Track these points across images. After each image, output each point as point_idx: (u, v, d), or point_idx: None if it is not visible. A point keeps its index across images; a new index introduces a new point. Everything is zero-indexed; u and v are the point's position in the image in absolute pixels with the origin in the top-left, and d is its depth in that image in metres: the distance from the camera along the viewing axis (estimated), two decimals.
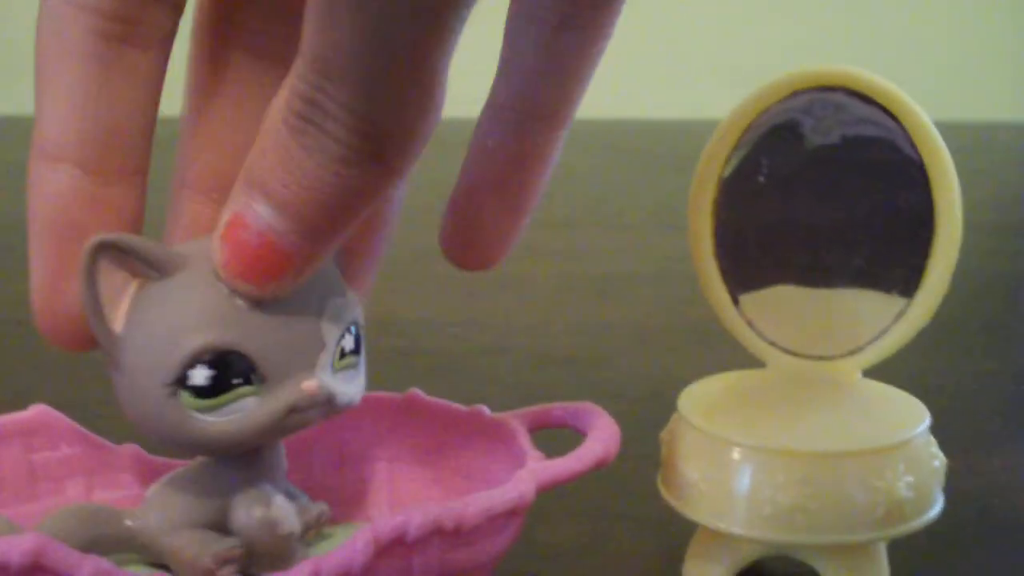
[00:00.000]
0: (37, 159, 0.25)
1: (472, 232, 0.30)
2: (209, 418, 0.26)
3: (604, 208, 0.72)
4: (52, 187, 0.25)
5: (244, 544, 0.27)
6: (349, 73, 0.21)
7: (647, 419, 0.32)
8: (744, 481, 0.29)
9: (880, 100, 0.31)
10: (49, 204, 0.25)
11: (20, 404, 0.32)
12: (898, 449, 0.29)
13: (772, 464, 0.29)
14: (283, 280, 0.24)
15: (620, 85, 0.85)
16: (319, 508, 0.29)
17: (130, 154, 0.25)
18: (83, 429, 0.32)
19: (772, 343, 0.33)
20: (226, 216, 0.24)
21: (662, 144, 0.89)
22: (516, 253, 0.64)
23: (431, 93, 0.22)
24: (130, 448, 0.31)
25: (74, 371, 0.40)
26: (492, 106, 0.29)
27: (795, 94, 0.31)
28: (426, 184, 0.81)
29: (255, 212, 0.23)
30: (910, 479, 0.29)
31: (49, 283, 0.25)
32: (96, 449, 0.31)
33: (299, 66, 0.21)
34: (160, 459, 0.31)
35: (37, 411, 0.31)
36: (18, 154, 0.26)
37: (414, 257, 0.61)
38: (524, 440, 0.30)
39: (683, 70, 1.06)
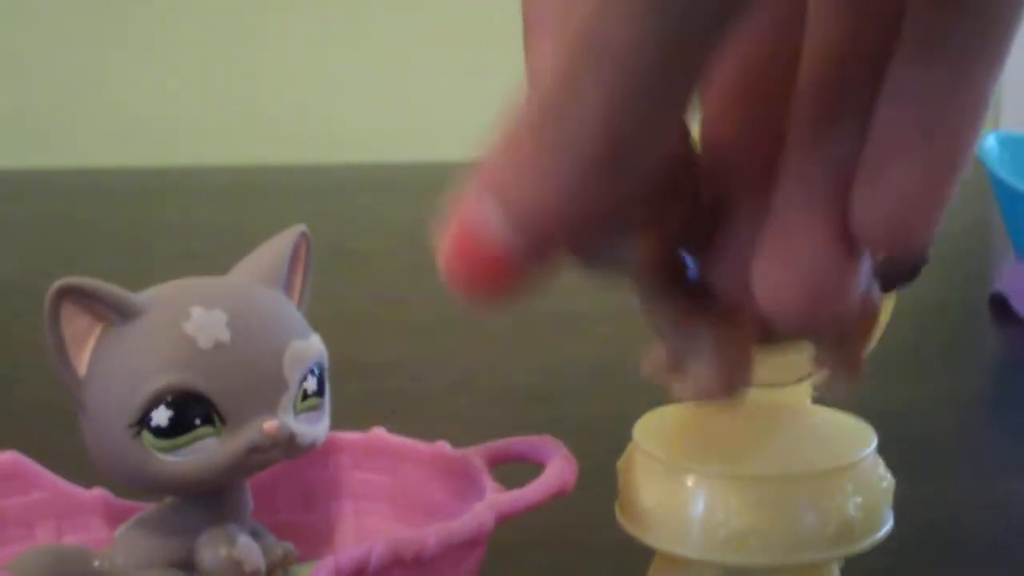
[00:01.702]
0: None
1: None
2: (171, 458, 0.26)
3: None
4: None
5: None
6: (591, 84, 0.20)
7: (605, 451, 0.32)
8: (698, 506, 0.29)
9: None
10: None
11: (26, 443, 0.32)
12: (847, 471, 0.30)
13: (725, 489, 0.29)
14: (503, 291, 0.23)
15: None
16: (284, 547, 0.30)
17: None
18: (52, 474, 0.32)
19: None
20: (455, 216, 0.23)
21: None
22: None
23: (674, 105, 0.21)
24: (99, 492, 0.32)
25: (43, 418, 0.41)
26: None
27: None
28: (384, 229, 0.82)
29: (486, 217, 0.22)
30: (859, 500, 0.30)
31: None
32: (65, 493, 0.32)
33: (540, 69, 0.21)
34: (128, 502, 0.32)
35: (7, 457, 0.32)
36: None
37: (374, 300, 0.62)
38: (484, 474, 0.31)
39: None
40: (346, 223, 0.83)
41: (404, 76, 1.11)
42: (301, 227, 0.30)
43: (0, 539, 0.31)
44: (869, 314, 0.31)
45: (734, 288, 0.25)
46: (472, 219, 0.22)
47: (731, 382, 0.29)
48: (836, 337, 0.30)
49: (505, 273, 0.22)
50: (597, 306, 0.46)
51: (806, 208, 0.23)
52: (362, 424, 0.34)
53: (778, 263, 0.23)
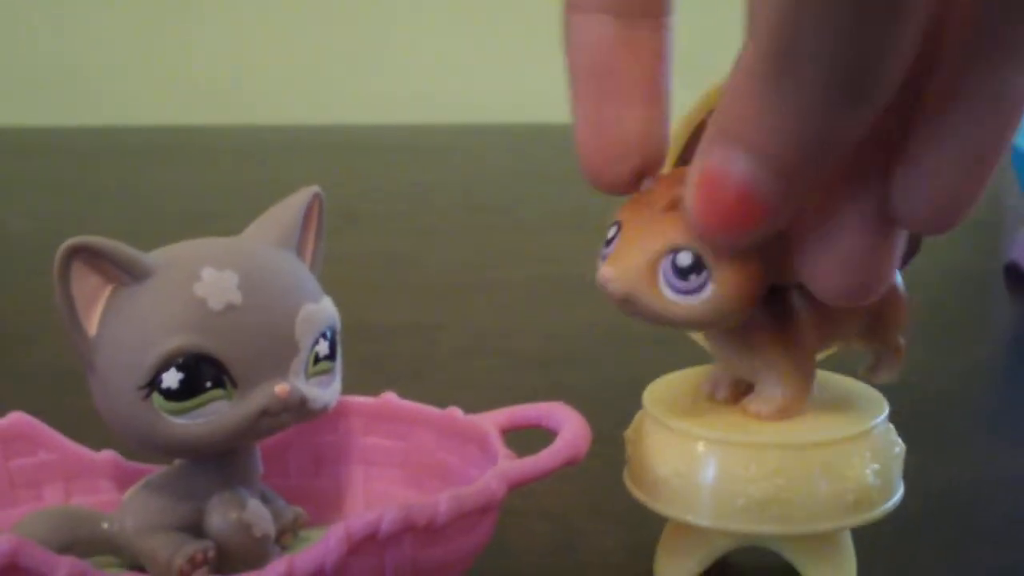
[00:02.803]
0: (570, 11, 0.26)
1: None
2: (181, 420, 0.26)
3: (575, 212, 0.72)
4: (586, 36, 0.26)
5: (219, 546, 0.28)
6: (826, 13, 0.20)
7: (615, 419, 0.32)
8: (715, 475, 0.29)
9: None
10: (586, 51, 0.26)
11: (34, 404, 0.32)
12: (864, 437, 0.30)
13: (744, 457, 0.29)
14: (760, 229, 0.24)
15: None
16: (295, 511, 0.30)
17: None
18: (60, 435, 0.32)
19: None
20: (699, 168, 0.24)
21: None
22: (489, 257, 0.64)
23: (907, 23, 0.21)
24: (107, 454, 0.32)
25: (51, 378, 0.41)
26: None
27: None
28: (397, 191, 0.82)
29: (732, 163, 0.23)
30: (876, 467, 0.29)
31: (593, 123, 0.26)
32: (73, 455, 0.32)
33: (768, 13, 0.21)
34: (137, 465, 0.32)
35: (14, 418, 0.32)
36: None
37: (386, 262, 0.62)
38: (496, 440, 0.30)
39: None
40: (356, 184, 0.82)
41: (411, 38, 1.11)
42: (314, 188, 0.30)
43: (8, 500, 0.31)
44: (899, 296, 0.31)
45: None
46: (719, 167, 0.23)
47: (801, 400, 0.29)
48: (877, 325, 0.30)
49: (757, 213, 0.23)
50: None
51: (849, 192, 0.24)
52: (372, 388, 0.34)
53: (823, 240, 0.24)
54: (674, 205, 0.26)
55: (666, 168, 0.30)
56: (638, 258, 0.27)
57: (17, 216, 0.75)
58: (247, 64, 1.10)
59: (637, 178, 0.26)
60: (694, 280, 0.26)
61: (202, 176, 0.89)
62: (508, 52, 1.08)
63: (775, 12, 0.21)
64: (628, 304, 0.27)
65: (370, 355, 0.44)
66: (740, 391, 0.31)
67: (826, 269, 0.24)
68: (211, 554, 0.27)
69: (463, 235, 0.70)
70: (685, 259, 0.26)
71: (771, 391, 0.30)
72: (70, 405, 0.31)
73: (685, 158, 0.31)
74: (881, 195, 0.24)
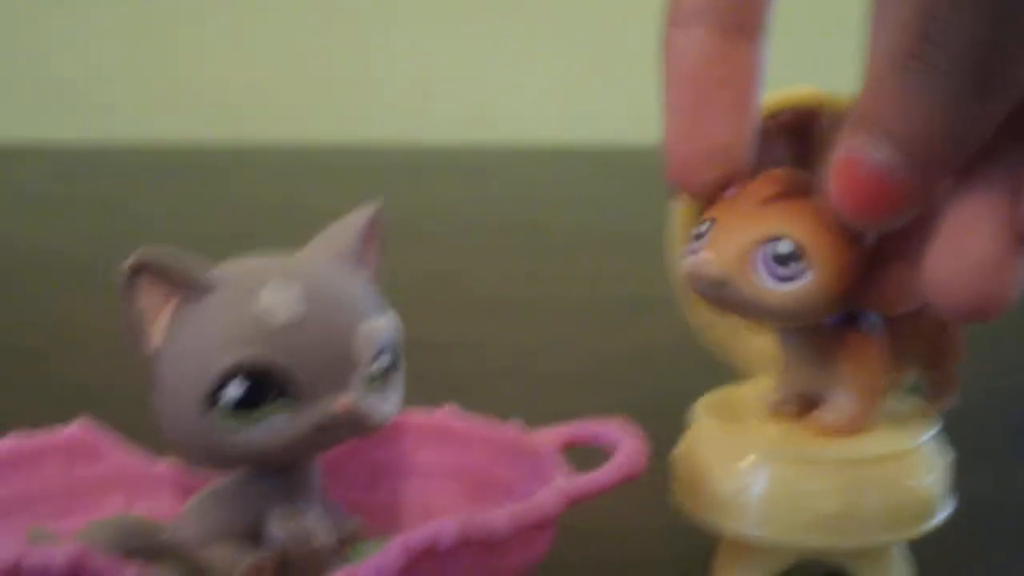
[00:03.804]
0: (672, 26, 0.28)
1: None
2: (242, 433, 0.27)
3: (617, 234, 0.73)
4: (685, 49, 0.27)
5: (279, 557, 0.28)
6: (963, 6, 0.22)
7: (662, 437, 0.32)
8: (780, 490, 0.29)
9: None
10: (684, 63, 0.28)
11: (62, 420, 0.32)
12: (921, 449, 0.30)
13: (810, 472, 0.29)
14: (895, 214, 0.25)
15: (630, 112, 0.85)
16: (354, 523, 0.30)
17: (754, 13, 0.28)
18: (123, 445, 0.32)
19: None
20: (839, 154, 0.25)
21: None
22: (530, 277, 0.64)
23: None
24: (168, 464, 0.32)
25: (113, 391, 0.41)
26: None
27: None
28: (435, 210, 0.82)
29: (871, 151, 0.24)
30: (932, 477, 0.30)
31: (686, 130, 0.27)
32: (135, 464, 0.32)
33: (904, 5, 0.23)
34: (197, 475, 0.32)
35: (78, 427, 0.32)
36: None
37: (427, 281, 0.62)
38: (553, 456, 0.31)
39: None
40: (403, 201, 0.83)
41: (452, 55, 1.11)
42: (375, 205, 0.30)
43: (69, 509, 0.31)
44: (957, 328, 0.32)
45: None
46: (857, 152, 0.24)
47: (869, 416, 0.30)
48: (935, 354, 0.31)
49: (893, 198, 0.24)
50: (651, 290, 0.46)
51: (980, 205, 0.25)
52: (422, 403, 0.34)
53: (951, 255, 0.25)
54: (771, 199, 0.27)
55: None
56: (736, 244, 0.28)
57: (65, 235, 0.76)
58: (285, 81, 1.11)
59: (722, 185, 0.28)
60: (791, 268, 0.27)
61: (246, 195, 0.89)
62: (548, 73, 1.08)
63: (910, 4, 0.22)
64: (721, 289, 0.28)
65: (419, 371, 0.43)
66: (804, 405, 0.31)
67: (953, 279, 0.25)
68: (275, 561, 0.28)
69: (503, 254, 0.70)
70: (784, 247, 0.27)
71: (842, 405, 0.30)
72: (128, 417, 0.31)
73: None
74: (1012, 209, 0.24)
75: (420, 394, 0.31)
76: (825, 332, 0.30)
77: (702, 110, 0.27)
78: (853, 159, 0.25)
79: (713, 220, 0.28)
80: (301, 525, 0.28)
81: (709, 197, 0.28)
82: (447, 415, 0.33)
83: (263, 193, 0.90)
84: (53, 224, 0.78)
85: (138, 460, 0.32)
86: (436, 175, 0.95)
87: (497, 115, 1.07)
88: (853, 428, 0.30)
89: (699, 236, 0.28)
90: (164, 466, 0.32)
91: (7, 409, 0.45)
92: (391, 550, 0.26)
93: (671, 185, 0.28)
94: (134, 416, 0.28)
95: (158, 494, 0.32)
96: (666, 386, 0.46)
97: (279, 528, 0.28)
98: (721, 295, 0.28)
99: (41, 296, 0.60)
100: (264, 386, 0.26)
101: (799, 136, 0.31)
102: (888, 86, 0.24)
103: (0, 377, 0.49)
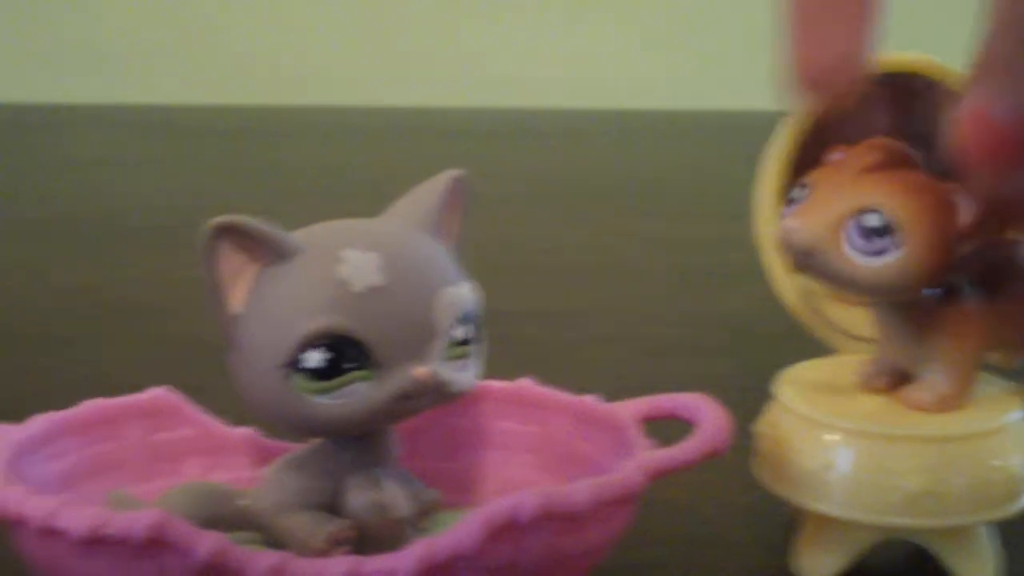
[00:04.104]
0: None
1: None
2: (321, 401, 0.26)
3: (717, 199, 0.72)
4: None
5: (356, 527, 0.28)
6: None
7: (745, 410, 0.31)
8: (870, 468, 0.29)
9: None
10: None
11: (141, 386, 0.32)
12: (1011, 428, 0.29)
13: (901, 450, 0.29)
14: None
15: (739, 77, 0.84)
16: (432, 494, 0.29)
17: None
18: (202, 411, 0.32)
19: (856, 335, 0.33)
20: (965, 106, 0.25)
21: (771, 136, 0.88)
22: (616, 244, 0.64)
23: None
24: (247, 431, 0.32)
25: (197, 354, 0.41)
26: None
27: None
28: (516, 175, 0.82)
29: (995, 100, 0.25)
30: (1021, 458, 0.29)
31: (815, 36, 0.28)
32: (214, 431, 0.32)
33: None
34: (276, 442, 0.32)
35: (158, 393, 0.32)
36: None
37: (510, 247, 0.62)
38: (634, 429, 0.30)
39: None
40: (477, 168, 0.82)
41: (528, 21, 1.10)
42: (457, 171, 0.30)
43: (148, 474, 0.31)
44: None
45: None
46: (983, 103, 0.25)
47: (964, 394, 0.29)
48: None
49: (1020, 148, 0.25)
50: (743, 259, 0.46)
51: None
52: (506, 374, 0.33)
53: None
54: (871, 169, 0.27)
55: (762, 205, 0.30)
56: (826, 214, 0.27)
57: (153, 193, 0.76)
58: (372, 45, 1.11)
59: (850, 91, 0.27)
60: (881, 242, 0.27)
61: (330, 156, 0.90)
62: (630, 38, 1.07)
63: None
64: (808, 259, 0.27)
65: (496, 341, 0.43)
66: (897, 380, 0.30)
67: None
68: (352, 533, 0.27)
69: (589, 221, 0.70)
70: (874, 220, 0.27)
71: (935, 382, 0.29)
72: (211, 380, 0.31)
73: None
74: None
75: (500, 364, 0.31)
76: (922, 306, 0.29)
77: (829, 17, 0.27)
78: (979, 109, 0.25)
79: (810, 186, 0.27)
80: (379, 495, 0.28)
81: (835, 101, 0.28)
82: (527, 385, 0.33)
83: (345, 157, 0.90)
84: (132, 182, 0.79)
85: (215, 427, 0.32)
86: (523, 140, 0.95)
87: (586, 79, 1.07)
88: (945, 406, 0.29)
89: (793, 201, 0.28)
90: (244, 432, 0.32)
91: (108, 369, 0.45)
92: (471, 523, 0.25)
93: (799, 89, 0.28)
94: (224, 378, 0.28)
95: (237, 461, 0.32)
96: (750, 357, 0.45)
97: (357, 498, 0.28)
98: (810, 265, 0.27)
99: (138, 254, 0.61)
100: (343, 354, 0.26)
101: (903, 105, 0.30)
102: (1010, 37, 0.24)
103: (109, 335, 0.50)
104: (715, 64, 1.05)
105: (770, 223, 0.32)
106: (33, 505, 0.25)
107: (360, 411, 0.27)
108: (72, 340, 0.49)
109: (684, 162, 0.85)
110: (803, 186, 0.28)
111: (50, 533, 0.25)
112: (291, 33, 1.11)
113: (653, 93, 1.02)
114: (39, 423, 0.30)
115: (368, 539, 0.28)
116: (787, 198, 0.28)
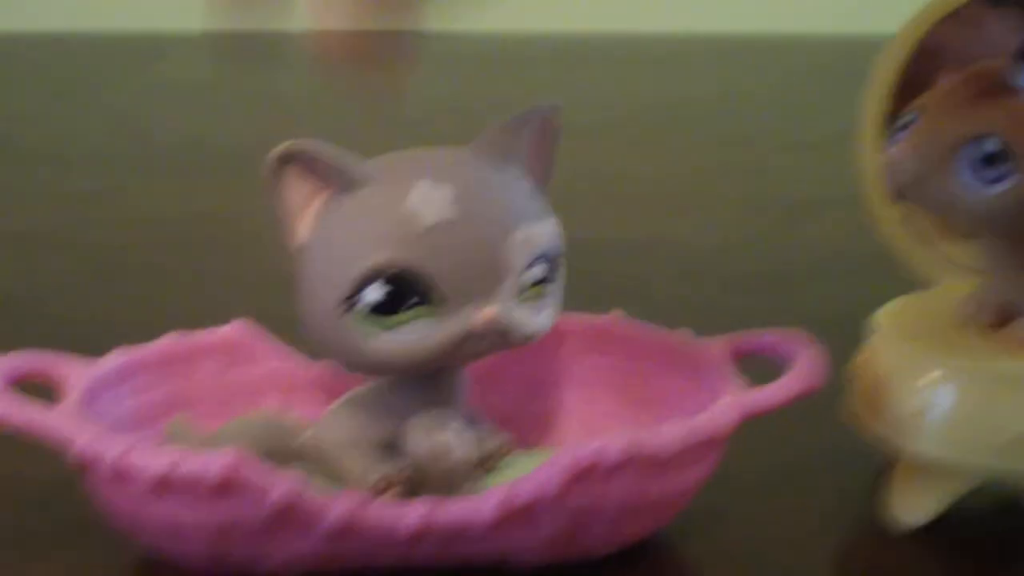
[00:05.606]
0: None
1: None
2: (382, 337, 0.25)
3: (788, 127, 0.70)
4: None
5: (414, 467, 0.27)
6: None
7: (835, 346, 0.30)
8: (976, 408, 0.27)
9: None
10: None
11: (221, 319, 0.32)
12: None
13: (1012, 389, 0.27)
14: None
15: (808, 2, 0.82)
16: (500, 438, 0.28)
17: None
18: (282, 346, 0.32)
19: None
20: None
21: (849, 61, 0.85)
22: (701, 171, 0.62)
23: None
24: (326, 366, 0.31)
25: (274, 286, 0.41)
26: None
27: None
28: (602, 103, 0.80)
29: None
30: None
31: None
32: (291, 367, 0.31)
33: None
34: (355, 378, 0.31)
35: (236, 326, 0.31)
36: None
37: (595, 177, 0.61)
38: (726, 368, 0.29)
39: None
40: (562, 96, 0.81)
41: None
42: (550, 103, 0.28)
43: (224, 410, 0.31)
44: None
45: None
46: None
47: None
48: None
49: None
50: (827, 190, 0.44)
51: None
52: (586, 308, 0.32)
53: None
54: (985, 94, 0.25)
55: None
56: (940, 139, 0.26)
57: (226, 124, 0.76)
58: None
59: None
60: (997, 170, 0.26)
61: (413, 85, 0.88)
62: None
63: None
64: (919, 187, 0.26)
65: (580, 273, 0.42)
66: (1004, 316, 0.29)
67: None
68: (406, 475, 0.26)
69: (674, 150, 0.68)
70: (992, 145, 0.25)
71: None
72: (290, 313, 0.30)
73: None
74: None
75: (584, 297, 0.30)
76: None
77: None
78: None
79: (921, 111, 0.26)
80: (439, 439, 0.27)
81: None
82: (612, 321, 0.32)
83: (430, 84, 0.88)
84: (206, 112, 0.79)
85: (293, 362, 0.31)
86: (605, 66, 0.93)
87: (672, 5, 1.04)
88: None
89: (903, 127, 0.26)
90: (319, 369, 0.31)
91: (174, 306, 0.45)
92: (552, 467, 0.25)
93: None
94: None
95: (313, 397, 0.31)
96: (845, 293, 0.44)
97: (416, 440, 0.27)
98: (919, 194, 0.26)
99: (202, 186, 0.61)
100: (404, 291, 0.25)
101: (1019, 25, 0.28)
102: None
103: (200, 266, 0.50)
104: None
105: (873, 150, 0.30)
106: (105, 445, 0.25)
107: (420, 350, 0.26)
108: (164, 269, 0.49)
109: (761, 89, 0.83)
110: (911, 111, 0.26)
111: (122, 475, 0.25)
112: None
113: (742, 15, 1.00)
114: (115, 359, 0.30)
115: (429, 480, 0.27)
116: (895, 124, 0.27)
